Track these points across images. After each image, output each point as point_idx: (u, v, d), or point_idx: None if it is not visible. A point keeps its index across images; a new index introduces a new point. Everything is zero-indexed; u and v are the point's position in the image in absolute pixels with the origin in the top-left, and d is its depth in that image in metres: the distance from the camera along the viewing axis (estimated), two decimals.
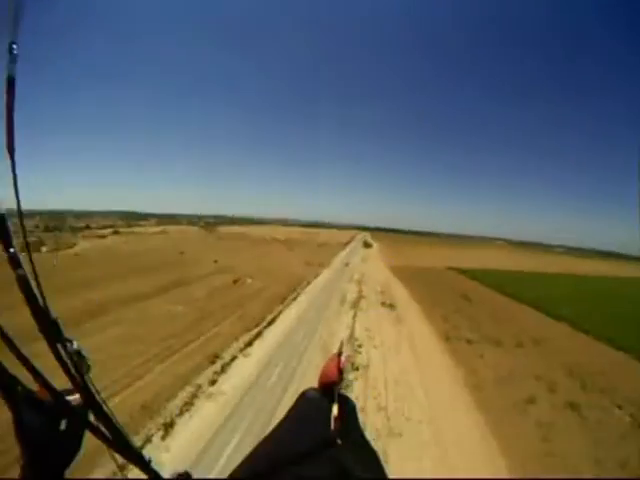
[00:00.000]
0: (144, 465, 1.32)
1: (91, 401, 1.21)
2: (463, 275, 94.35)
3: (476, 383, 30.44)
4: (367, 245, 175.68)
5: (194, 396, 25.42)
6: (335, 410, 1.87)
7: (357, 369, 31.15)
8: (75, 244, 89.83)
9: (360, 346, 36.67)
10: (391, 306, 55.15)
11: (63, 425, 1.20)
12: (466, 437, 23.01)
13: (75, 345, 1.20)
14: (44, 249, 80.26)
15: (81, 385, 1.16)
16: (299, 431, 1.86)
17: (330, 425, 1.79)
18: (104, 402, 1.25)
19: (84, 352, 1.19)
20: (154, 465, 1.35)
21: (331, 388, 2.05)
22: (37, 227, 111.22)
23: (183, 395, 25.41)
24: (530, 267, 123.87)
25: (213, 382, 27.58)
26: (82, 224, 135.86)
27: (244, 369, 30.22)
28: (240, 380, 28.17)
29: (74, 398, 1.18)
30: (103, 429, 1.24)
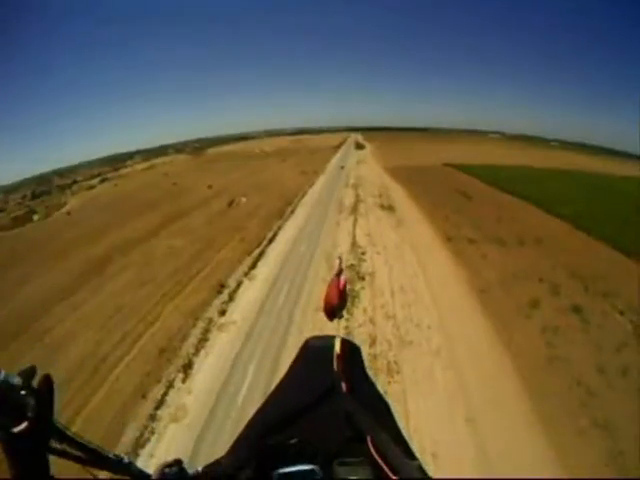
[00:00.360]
0: (125, 469, 1.24)
1: (44, 425, 1.03)
2: (460, 172, 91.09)
3: (481, 285, 30.45)
4: (359, 147, 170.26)
5: (207, 331, 25.82)
6: (338, 347, 2.03)
7: (363, 278, 31.24)
8: (65, 203, 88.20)
9: (363, 253, 36.60)
10: (390, 208, 54.36)
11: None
12: (474, 343, 23.26)
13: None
14: (36, 217, 79.19)
15: (32, 412, 0.98)
16: (304, 383, 2.02)
17: (333, 366, 1.92)
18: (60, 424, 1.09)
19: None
20: (137, 465, 1.27)
21: (335, 313, 2.25)
22: (25, 197, 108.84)
23: (196, 332, 25.76)
24: (527, 162, 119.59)
25: (223, 312, 27.92)
26: (69, 181, 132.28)
27: (251, 293, 30.54)
28: (249, 306, 28.50)
29: (20, 428, 0.98)
30: (69, 449, 1.12)
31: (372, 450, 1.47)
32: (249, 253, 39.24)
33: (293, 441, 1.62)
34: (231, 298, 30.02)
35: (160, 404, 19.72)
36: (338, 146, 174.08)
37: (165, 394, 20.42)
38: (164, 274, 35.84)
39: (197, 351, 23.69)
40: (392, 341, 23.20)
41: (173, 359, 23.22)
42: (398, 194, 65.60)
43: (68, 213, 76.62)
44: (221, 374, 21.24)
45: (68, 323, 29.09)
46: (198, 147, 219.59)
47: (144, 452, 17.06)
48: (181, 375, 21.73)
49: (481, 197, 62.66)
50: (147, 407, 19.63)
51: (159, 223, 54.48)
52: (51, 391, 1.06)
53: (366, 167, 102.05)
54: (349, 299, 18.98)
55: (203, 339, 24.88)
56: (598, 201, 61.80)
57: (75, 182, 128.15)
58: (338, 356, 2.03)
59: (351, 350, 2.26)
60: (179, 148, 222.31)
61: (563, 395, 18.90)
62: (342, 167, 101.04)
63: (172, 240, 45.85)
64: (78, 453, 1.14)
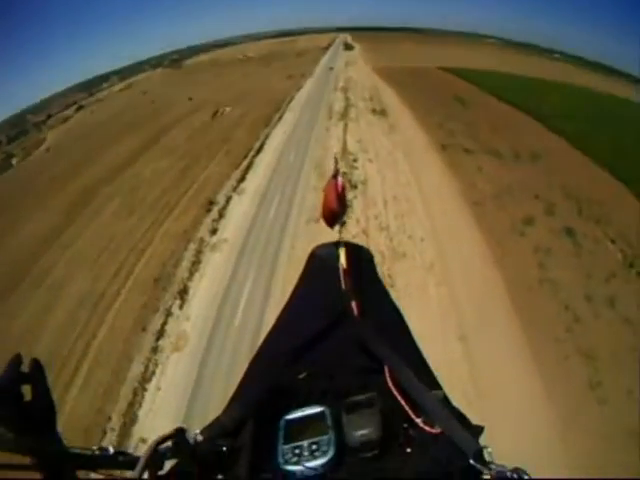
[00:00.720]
0: (112, 462, 1.07)
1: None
2: (456, 77, 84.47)
3: (475, 198, 29.47)
4: (348, 47, 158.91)
5: (199, 252, 25.45)
6: (343, 260, 1.84)
7: (355, 186, 30.15)
8: (44, 139, 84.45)
9: (355, 160, 35.09)
10: (382, 113, 51.56)
11: None
12: (467, 259, 22.96)
13: None
14: (14, 161, 76.14)
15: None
16: (310, 306, 1.87)
17: (340, 284, 1.74)
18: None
19: None
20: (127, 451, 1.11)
21: (335, 219, 2.11)
22: (0, 143, 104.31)
23: (189, 255, 25.38)
24: (527, 72, 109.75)
25: (214, 231, 27.37)
26: (44, 116, 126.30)
27: (241, 208, 29.83)
28: (239, 221, 27.93)
29: None
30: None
31: (390, 384, 1.31)
32: (237, 166, 37.86)
33: (300, 377, 1.48)
34: (221, 215, 29.35)
35: (160, 335, 19.77)
36: (326, 47, 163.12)
37: (164, 323, 20.44)
38: (151, 198, 34.90)
39: (191, 275, 23.47)
40: (385, 253, 22.83)
41: (168, 287, 22.98)
42: (390, 98, 61.99)
43: (47, 150, 73.20)
44: (216, 297, 21.13)
45: (62, 264, 28.74)
46: (176, 59, 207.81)
47: (151, 386, 17.38)
48: (178, 302, 21.61)
49: (477, 105, 58.94)
50: (148, 340, 19.73)
51: (141, 145, 52.14)
52: (44, 379, 0.97)
53: (356, 69, 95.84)
54: None
55: (196, 261, 24.59)
56: (599, 122, 57.63)
57: (50, 116, 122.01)
58: (345, 271, 1.79)
59: (360, 258, 2.03)
60: (156, 63, 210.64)
61: (551, 319, 19.08)
62: (331, 68, 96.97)
63: (156, 162, 44.07)
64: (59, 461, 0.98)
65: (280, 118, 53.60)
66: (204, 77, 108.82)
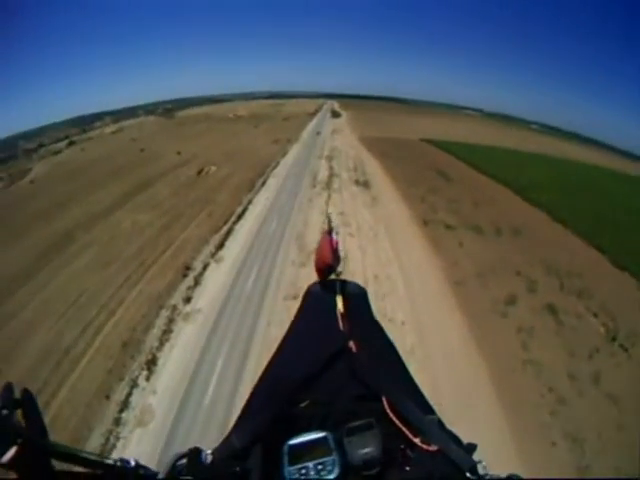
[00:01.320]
0: (133, 474, 1.13)
1: (37, 446, 0.98)
2: (438, 149, 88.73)
3: (457, 278, 29.76)
4: (335, 115, 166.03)
5: (171, 321, 24.67)
6: (340, 304, 1.94)
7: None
8: (30, 169, 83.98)
9: (336, 234, 34.64)
10: (365, 184, 52.77)
11: None
12: (448, 343, 22.81)
13: None
14: None
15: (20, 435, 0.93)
16: (308, 342, 1.92)
17: (338, 325, 1.85)
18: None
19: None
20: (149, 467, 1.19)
21: (329, 272, 2.18)
22: None
23: (160, 323, 24.60)
24: (507, 143, 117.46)
25: (188, 300, 26.73)
26: (35, 145, 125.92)
27: (218, 277, 29.35)
28: (215, 291, 27.38)
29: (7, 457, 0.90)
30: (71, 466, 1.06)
31: (389, 411, 1.42)
32: (217, 230, 37.78)
33: (303, 405, 1.57)
34: (197, 282, 28.84)
35: (125, 406, 18.88)
36: (313, 113, 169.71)
37: (129, 394, 19.55)
38: (128, 253, 34.31)
39: (161, 344, 22.64)
40: None
41: (136, 355, 22.15)
42: (374, 169, 63.84)
43: (31, 182, 72.53)
44: (186, 372, 20.29)
45: (30, 310, 27.69)
46: (169, 109, 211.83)
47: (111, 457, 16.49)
48: (145, 372, 20.75)
49: (459, 178, 61.31)
50: (112, 410, 18.81)
51: (124, 193, 52.11)
52: (35, 406, 1.03)
53: (341, 137, 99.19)
54: None
55: (167, 330, 23.75)
56: (575, 192, 61.32)
57: (42, 145, 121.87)
58: (342, 315, 1.92)
59: (355, 296, 2.16)
60: (150, 109, 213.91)
61: (535, 403, 18.93)
62: (318, 133, 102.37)
63: (137, 214, 43.78)
64: (80, 469, 1.05)
65: (264, 183, 54.33)
66: (194, 131, 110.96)
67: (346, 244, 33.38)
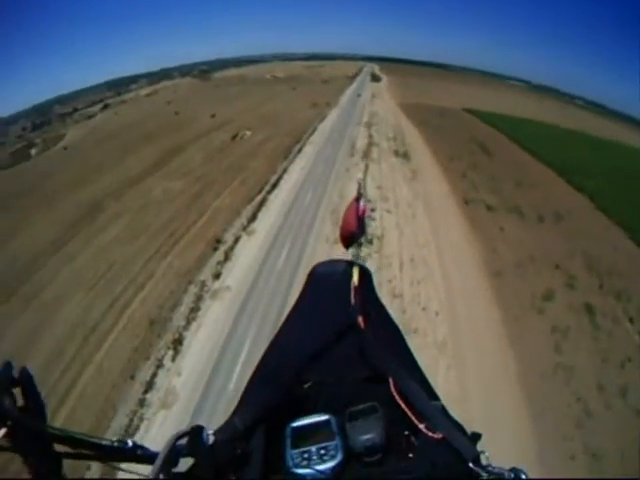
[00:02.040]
0: (131, 454, 1.11)
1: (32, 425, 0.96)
2: (481, 120, 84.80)
3: (496, 267, 28.25)
4: (375, 78, 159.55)
5: (199, 298, 24.01)
6: (356, 277, 1.92)
7: (371, 242, 28.61)
8: (64, 135, 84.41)
9: (373, 210, 33.42)
10: (405, 156, 50.53)
11: None
12: (481, 338, 21.79)
13: None
14: (34, 151, 76.20)
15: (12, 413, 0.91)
16: (315, 318, 1.92)
17: (349, 299, 1.82)
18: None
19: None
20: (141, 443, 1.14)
21: (352, 241, 2.20)
22: (25, 130, 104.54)
23: (188, 300, 23.96)
24: (552, 119, 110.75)
25: (217, 275, 25.89)
26: (69, 109, 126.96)
27: (249, 252, 28.34)
28: (245, 267, 26.45)
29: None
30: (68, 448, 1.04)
31: (395, 394, 1.39)
32: (249, 201, 36.55)
33: (307, 385, 1.55)
34: (227, 257, 27.90)
35: (149, 387, 18.48)
36: (353, 76, 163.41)
37: (154, 375, 19.12)
38: (158, 224, 33.79)
39: (188, 323, 22.03)
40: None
41: (163, 333, 21.65)
42: (414, 139, 61.17)
43: (65, 148, 73.21)
44: (212, 354, 19.63)
45: (59, 282, 27.69)
46: (205, 70, 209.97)
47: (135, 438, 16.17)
48: (171, 352, 20.25)
49: (502, 154, 58.52)
50: (136, 390, 18.48)
51: (156, 160, 51.60)
52: (34, 386, 0.99)
53: (381, 103, 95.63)
54: None
55: (195, 308, 23.12)
56: (621, 179, 57.06)
57: (76, 110, 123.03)
58: (356, 288, 1.87)
59: (366, 274, 2.14)
60: (185, 71, 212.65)
61: (561, 412, 18.08)
62: (359, 95, 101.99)
63: (169, 182, 43.15)
64: (77, 449, 1.04)
65: (300, 150, 52.41)
66: (230, 93, 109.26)
67: (383, 221, 32.38)
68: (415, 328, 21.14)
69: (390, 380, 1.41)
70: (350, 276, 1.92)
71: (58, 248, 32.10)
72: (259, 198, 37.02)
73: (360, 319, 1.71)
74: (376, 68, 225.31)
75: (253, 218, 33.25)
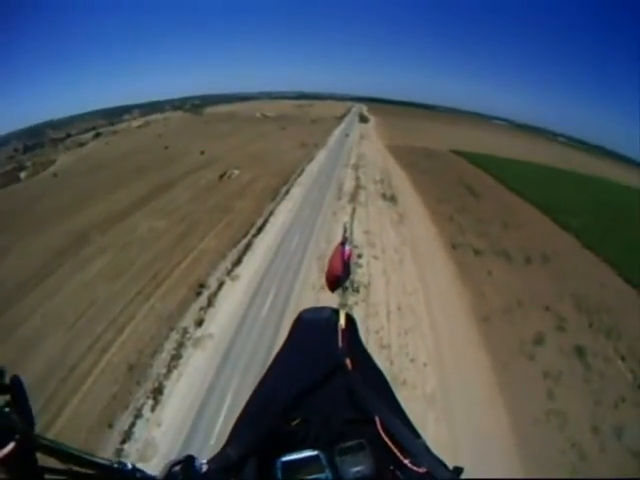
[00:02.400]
0: (130, 477, 1.13)
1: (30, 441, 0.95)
2: (468, 161, 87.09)
3: (484, 312, 28.28)
4: (363, 119, 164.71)
5: (180, 345, 23.49)
6: (343, 321, 1.99)
7: (357, 290, 28.55)
8: (55, 160, 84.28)
9: (360, 256, 33.52)
10: (392, 199, 51.12)
11: None
12: (471, 387, 21.55)
13: None
14: (23, 175, 75.99)
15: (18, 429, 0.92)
16: (303, 360, 1.95)
17: (337, 341, 1.88)
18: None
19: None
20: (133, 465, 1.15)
21: (338, 284, 2.28)
22: (16, 151, 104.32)
23: (169, 347, 23.41)
24: (535, 158, 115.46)
25: (199, 322, 25.38)
26: (62, 134, 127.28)
27: (233, 298, 27.89)
28: (229, 314, 26.00)
29: (6, 452, 0.88)
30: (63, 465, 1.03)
31: (381, 432, 1.46)
32: (235, 244, 36.28)
33: (295, 422, 1.60)
34: (210, 303, 27.41)
35: (127, 437, 17.92)
36: (341, 117, 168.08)
37: (133, 424, 18.54)
38: (141, 263, 33.40)
39: (169, 372, 21.46)
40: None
41: (142, 381, 21.06)
42: (401, 181, 62.31)
43: (55, 175, 73.06)
44: (193, 406, 19.10)
45: (37, 317, 27.08)
46: (197, 105, 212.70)
47: None
48: (150, 402, 19.64)
49: (488, 195, 59.88)
50: (114, 440, 17.92)
51: (143, 195, 51.37)
52: (24, 394, 0.99)
53: (369, 144, 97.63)
54: None
55: (176, 356, 22.58)
56: (606, 215, 59.40)
57: (69, 135, 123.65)
58: (343, 331, 1.95)
59: (351, 323, 2.13)
60: (177, 105, 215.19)
61: (556, 459, 17.84)
62: (347, 135, 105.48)
63: (154, 220, 42.81)
64: (73, 467, 1.03)
65: (287, 192, 52.59)
66: (220, 130, 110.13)
67: (370, 268, 32.25)
68: (403, 380, 20.90)
69: (377, 419, 1.49)
70: (337, 321, 2.00)
71: (41, 279, 31.67)
72: (244, 242, 36.74)
73: (348, 361, 1.79)
74: (364, 109, 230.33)
75: (238, 262, 32.90)
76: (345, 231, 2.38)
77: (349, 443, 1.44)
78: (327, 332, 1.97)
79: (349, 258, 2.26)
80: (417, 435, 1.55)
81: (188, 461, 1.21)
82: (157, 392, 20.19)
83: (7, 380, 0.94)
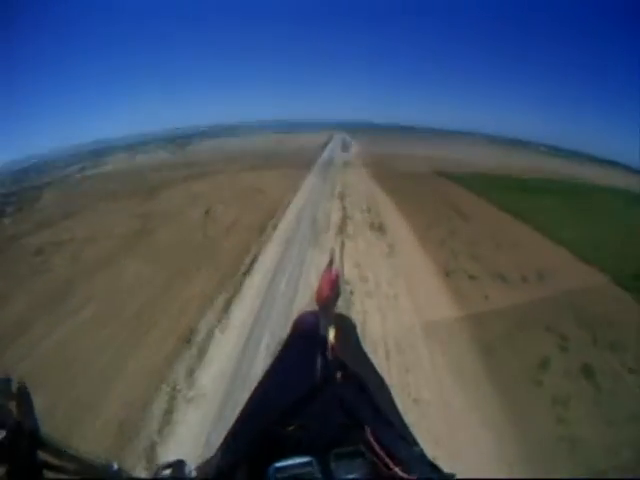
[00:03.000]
0: (116, 477, 1.22)
1: (28, 433, 1.08)
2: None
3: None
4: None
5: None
6: (332, 335, 2.02)
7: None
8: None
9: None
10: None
11: None
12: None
13: None
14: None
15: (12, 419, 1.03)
16: (296, 369, 2.06)
17: (328, 354, 1.93)
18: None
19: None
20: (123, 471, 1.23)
21: (326, 305, 2.22)
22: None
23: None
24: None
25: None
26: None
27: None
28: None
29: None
30: (56, 461, 1.15)
31: (371, 439, 1.48)
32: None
33: (289, 430, 1.60)
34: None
35: None
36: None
37: None
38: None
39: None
40: None
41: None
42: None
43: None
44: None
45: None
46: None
47: None
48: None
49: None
50: None
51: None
52: (30, 402, 1.12)
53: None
54: None
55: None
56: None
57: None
58: (332, 345, 1.97)
59: (346, 328, 2.29)
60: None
61: None
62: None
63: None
64: (65, 464, 1.13)
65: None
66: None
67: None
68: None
69: (366, 427, 1.52)
70: (326, 334, 2.02)
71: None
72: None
73: (338, 373, 1.83)
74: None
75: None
76: (332, 254, 2.47)
77: (345, 449, 1.44)
78: (320, 341, 2.00)
79: (337, 277, 2.33)
80: (414, 442, 1.62)
81: (178, 465, 1.29)
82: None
83: (14, 388, 1.01)
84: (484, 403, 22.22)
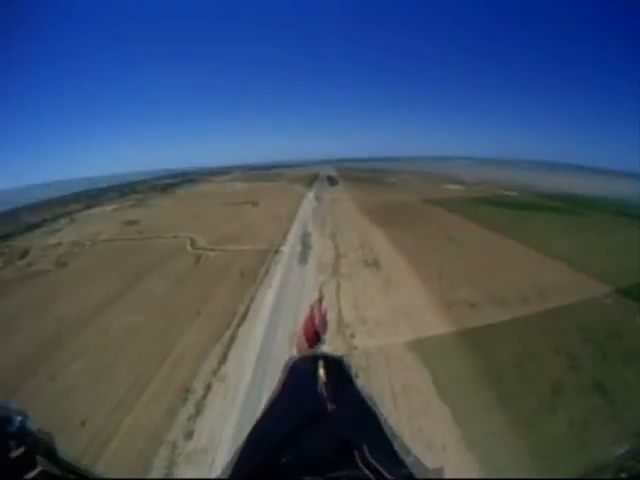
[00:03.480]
0: None
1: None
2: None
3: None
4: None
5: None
6: (322, 375, 2.13)
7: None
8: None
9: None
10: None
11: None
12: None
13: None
14: None
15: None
16: (291, 406, 2.09)
17: (321, 390, 2.03)
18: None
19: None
20: None
21: (317, 340, 2.49)
22: None
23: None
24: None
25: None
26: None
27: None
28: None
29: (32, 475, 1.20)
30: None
31: (360, 464, 1.55)
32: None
33: (285, 459, 1.67)
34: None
35: None
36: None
37: None
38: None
39: None
40: None
41: None
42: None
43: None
44: None
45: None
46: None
47: None
48: None
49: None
50: None
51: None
52: (54, 449, 1.22)
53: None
54: None
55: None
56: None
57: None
58: (324, 383, 2.09)
59: (336, 366, 2.35)
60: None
61: None
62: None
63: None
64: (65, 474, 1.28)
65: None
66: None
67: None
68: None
69: (356, 452, 1.58)
70: (317, 373, 2.14)
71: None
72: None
73: (330, 406, 1.90)
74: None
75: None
76: (320, 291, 2.26)
77: (338, 473, 1.50)
78: (312, 380, 2.11)
79: (325, 313, 2.52)
80: (402, 464, 1.67)
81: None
82: None
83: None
84: (500, 439, 21.70)
